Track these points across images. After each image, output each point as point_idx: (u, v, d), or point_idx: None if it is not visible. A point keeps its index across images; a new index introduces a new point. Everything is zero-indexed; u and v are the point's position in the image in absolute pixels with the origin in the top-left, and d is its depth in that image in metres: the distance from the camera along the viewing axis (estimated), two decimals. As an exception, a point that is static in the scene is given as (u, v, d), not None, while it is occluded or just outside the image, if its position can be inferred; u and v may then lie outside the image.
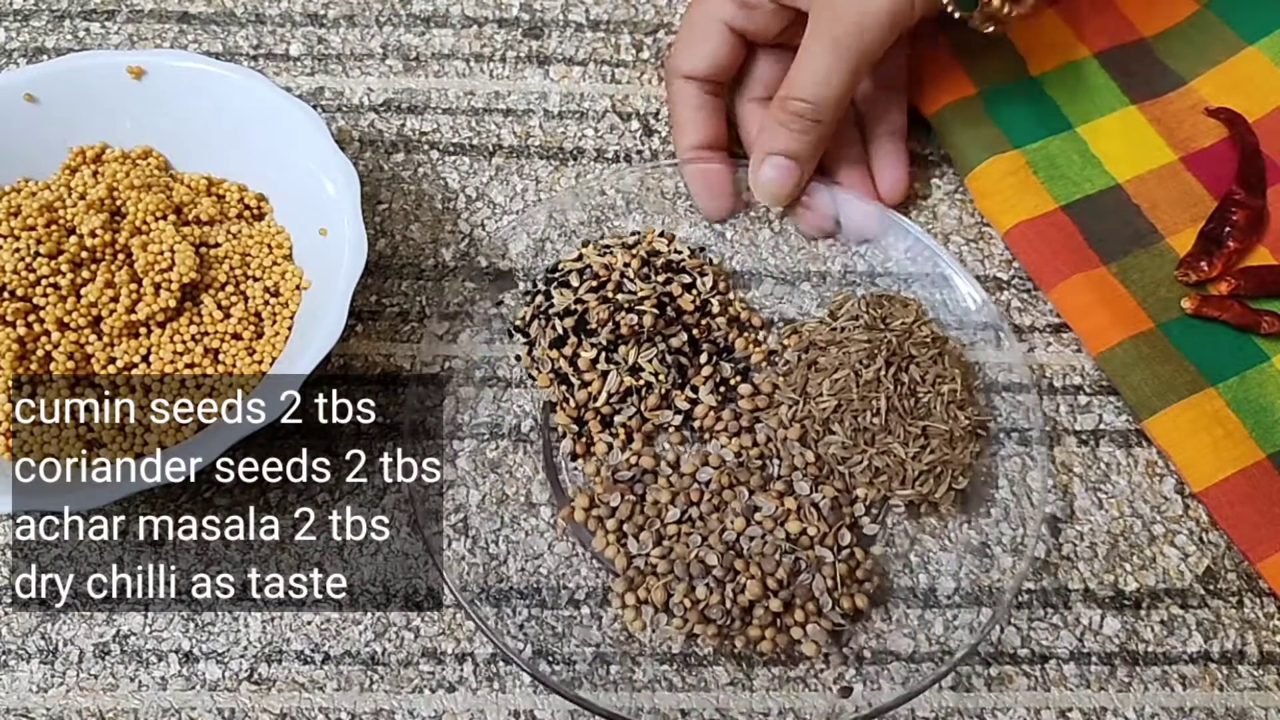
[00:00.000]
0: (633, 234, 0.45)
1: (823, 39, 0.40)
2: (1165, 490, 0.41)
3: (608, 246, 0.43)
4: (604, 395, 0.40)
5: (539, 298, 0.43)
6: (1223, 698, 0.38)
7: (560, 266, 0.43)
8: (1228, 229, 0.44)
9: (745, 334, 0.42)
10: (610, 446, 0.40)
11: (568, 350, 0.41)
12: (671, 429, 0.41)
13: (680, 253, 0.43)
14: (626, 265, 0.42)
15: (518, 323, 0.43)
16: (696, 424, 0.41)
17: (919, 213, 0.47)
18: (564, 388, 0.41)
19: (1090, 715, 0.37)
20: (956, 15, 0.42)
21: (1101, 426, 0.43)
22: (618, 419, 0.41)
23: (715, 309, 0.42)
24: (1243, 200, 0.44)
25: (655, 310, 0.41)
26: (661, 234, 0.44)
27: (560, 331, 0.41)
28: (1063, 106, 0.49)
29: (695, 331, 0.41)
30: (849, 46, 0.40)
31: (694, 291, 0.42)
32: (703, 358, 0.41)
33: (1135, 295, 0.44)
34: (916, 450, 0.38)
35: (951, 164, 0.49)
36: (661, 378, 0.41)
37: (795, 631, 0.36)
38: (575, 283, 0.42)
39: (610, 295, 0.41)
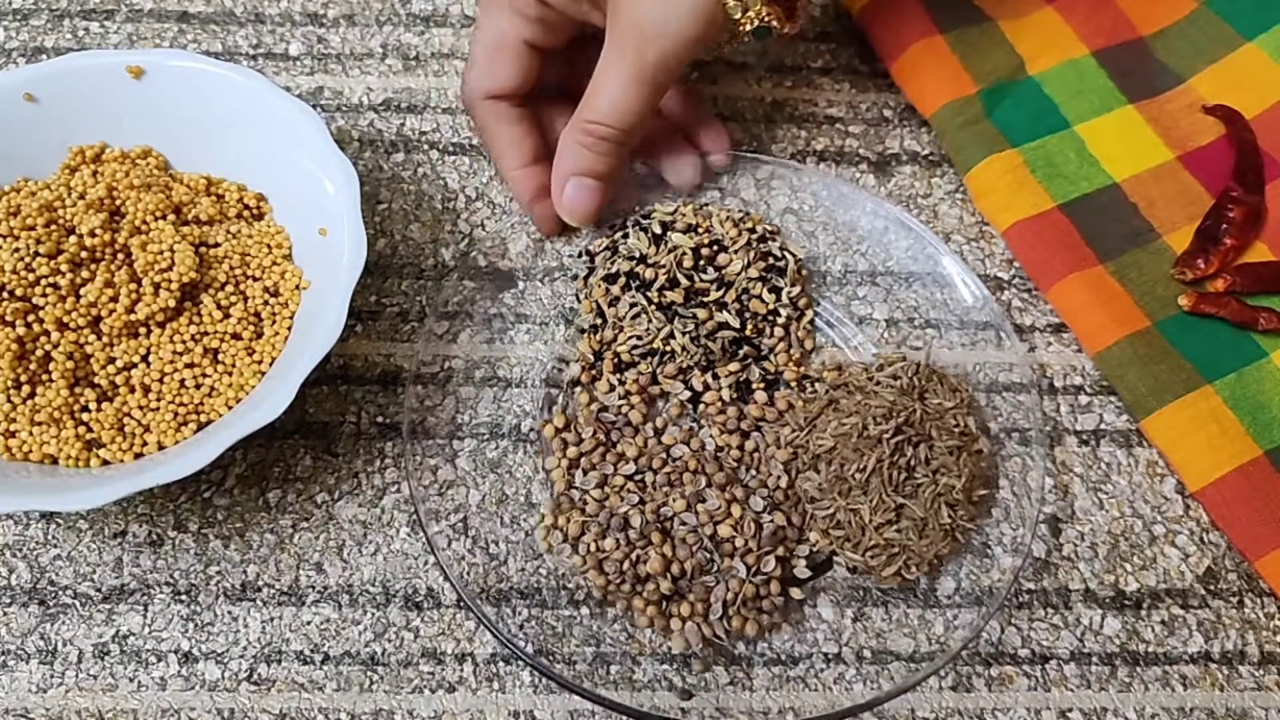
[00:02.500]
0: (743, 212, 0.45)
1: (624, 61, 0.39)
2: (1166, 490, 0.41)
3: (710, 213, 0.44)
4: (629, 343, 0.41)
5: (619, 232, 0.44)
6: (1223, 698, 0.38)
7: (652, 213, 0.44)
8: (1224, 226, 0.44)
9: (791, 351, 0.42)
10: (612, 388, 0.41)
11: (616, 289, 0.42)
12: (676, 401, 0.41)
13: (782, 258, 0.43)
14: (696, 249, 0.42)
15: (590, 247, 0.44)
16: (701, 407, 0.41)
17: (919, 212, 0.48)
18: (599, 320, 0.42)
19: (1091, 715, 0.37)
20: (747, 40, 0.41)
21: (1102, 426, 0.43)
22: (631, 370, 0.42)
23: (782, 318, 0.42)
24: (1240, 197, 0.44)
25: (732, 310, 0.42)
26: (770, 230, 0.44)
27: (616, 270, 0.42)
28: (1060, 106, 0.49)
29: (749, 329, 0.42)
30: (651, 69, 0.39)
31: (774, 295, 0.42)
32: (740, 352, 0.42)
33: (1132, 294, 0.44)
34: (882, 522, 0.37)
35: (951, 163, 0.49)
36: (688, 352, 0.41)
37: (674, 622, 0.37)
38: (658, 230, 0.43)
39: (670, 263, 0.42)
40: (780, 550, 0.37)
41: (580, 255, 0.44)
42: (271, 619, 0.38)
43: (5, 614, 0.38)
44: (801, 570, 0.38)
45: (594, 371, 0.42)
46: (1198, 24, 0.50)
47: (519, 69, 0.43)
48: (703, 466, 0.39)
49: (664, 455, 0.39)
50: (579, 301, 0.44)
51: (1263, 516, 0.39)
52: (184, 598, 0.38)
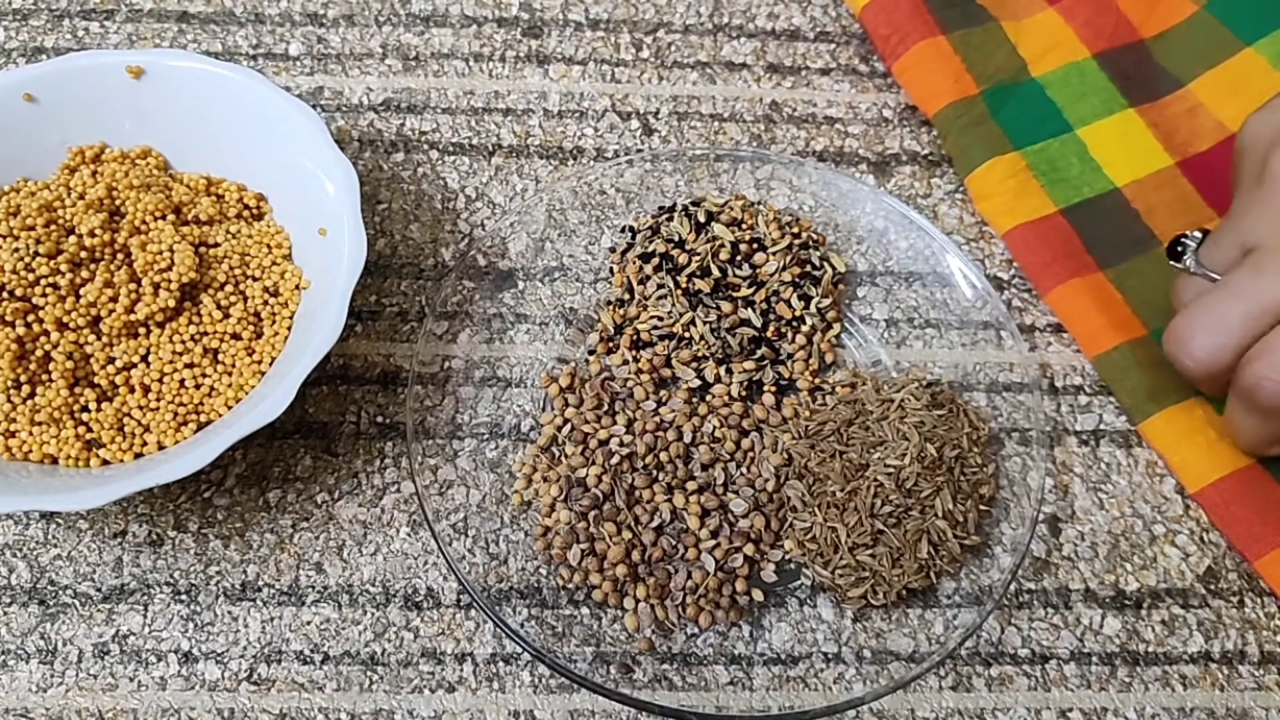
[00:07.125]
0: (792, 216, 0.45)
1: None
2: (1166, 490, 0.41)
3: (759, 211, 0.44)
4: (650, 323, 0.42)
5: (664, 214, 0.44)
6: (1223, 698, 0.38)
7: (702, 201, 0.44)
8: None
9: (810, 361, 0.42)
10: (626, 362, 0.42)
11: (648, 269, 0.43)
12: (684, 387, 0.41)
13: (820, 268, 0.43)
14: (738, 242, 0.43)
15: (634, 224, 0.45)
16: (708, 399, 0.41)
17: (918, 213, 0.47)
18: (627, 295, 0.43)
19: (1091, 715, 0.37)
20: None
21: (1102, 426, 0.43)
22: (647, 349, 0.42)
23: (807, 327, 0.42)
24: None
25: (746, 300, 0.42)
26: (816, 239, 0.44)
27: (653, 250, 0.43)
28: (1063, 108, 0.49)
29: (769, 331, 0.42)
30: None
31: (804, 302, 0.42)
32: (758, 352, 0.42)
33: (1130, 301, 0.44)
34: (855, 544, 0.37)
35: (951, 164, 0.49)
36: (706, 342, 0.41)
37: (628, 602, 0.37)
38: (702, 219, 0.43)
39: (704, 250, 0.43)
40: (750, 550, 0.37)
41: (623, 230, 0.45)
42: (271, 619, 0.38)
43: (5, 614, 0.38)
44: (768, 574, 0.38)
45: (611, 344, 0.42)
46: (1197, 28, 0.50)
47: None
48: (691, 454, 0.39)
49: (658, 435, 0.39)
50: (611, 274, 0.44)
51: (1262, 516, 0.39)
52: (184, 598, 0.38)
